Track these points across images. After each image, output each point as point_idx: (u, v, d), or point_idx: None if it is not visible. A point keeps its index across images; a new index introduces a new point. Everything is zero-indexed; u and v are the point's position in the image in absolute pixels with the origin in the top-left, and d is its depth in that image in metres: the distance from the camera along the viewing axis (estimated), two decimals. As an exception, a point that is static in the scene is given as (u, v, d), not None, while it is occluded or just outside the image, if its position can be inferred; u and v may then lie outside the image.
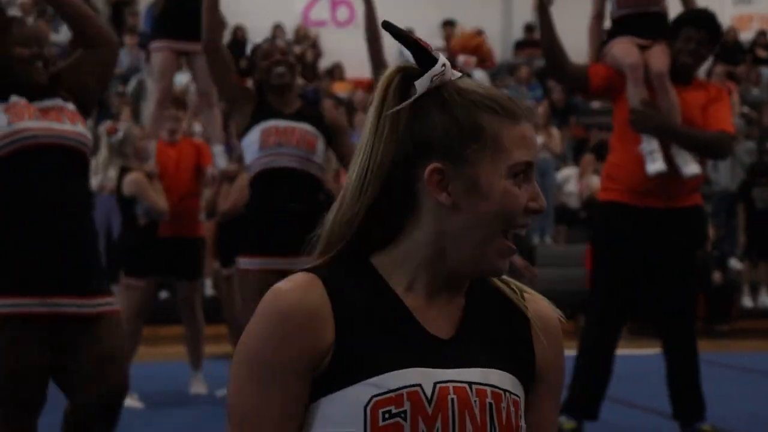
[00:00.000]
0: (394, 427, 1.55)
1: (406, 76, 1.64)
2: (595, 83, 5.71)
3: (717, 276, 12.59)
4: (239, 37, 16.91)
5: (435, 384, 1.57)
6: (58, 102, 3.82)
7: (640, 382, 7.47)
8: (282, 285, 1.61)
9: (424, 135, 1.62)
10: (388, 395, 1.55)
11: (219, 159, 7.73)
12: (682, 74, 5.66)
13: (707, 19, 5.68)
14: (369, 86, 15.53)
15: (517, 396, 1.64)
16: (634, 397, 7.12)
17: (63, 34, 15.99)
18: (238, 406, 1.60)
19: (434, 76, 1.62)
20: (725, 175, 13.85)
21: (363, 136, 1.64)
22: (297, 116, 5.18)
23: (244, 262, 5.21)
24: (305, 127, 5.15)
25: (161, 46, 7.95)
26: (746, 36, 18.18)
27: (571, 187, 14.27)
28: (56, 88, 3.85)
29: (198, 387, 7.59)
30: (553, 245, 13.66)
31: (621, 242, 5.60)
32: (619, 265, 5.57)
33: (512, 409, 1.62)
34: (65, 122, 3.77)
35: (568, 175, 14.39)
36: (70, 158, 3.76)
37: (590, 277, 5.91)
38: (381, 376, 1.56)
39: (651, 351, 8.00)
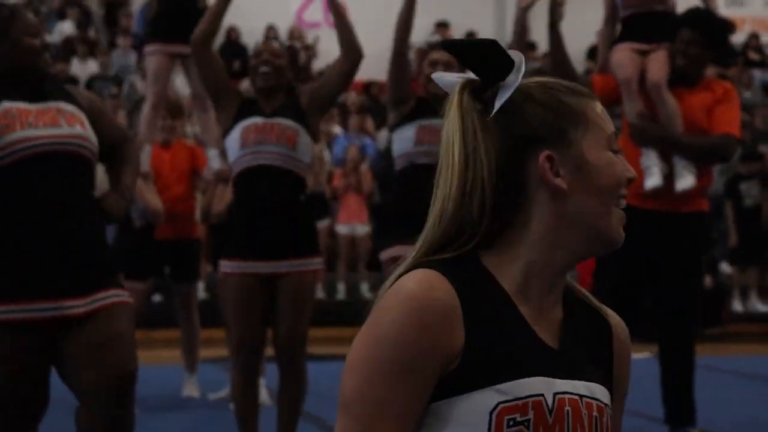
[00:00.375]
0: None
1: (471, 90, 1.68)
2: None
3: (707, 280, 12.60)
4: (233, 38, 16.89)
5: (554, 394, 1.60)
6: (57, 104, 3.73)
7: (633, 387, 7.46)
8: (415, 280, 1.60)
9: (525, 128, 1.66)
10: (514, 403, 1.57)
11: (213, 162, 7.73)
12: (683, 76, 5.59)
13: (702, 18, 5.61)
14: (363, 88, 15.53)
15: (611, 410, 1.69)
16: (628, 401, 7.12)
17: (56, 35, 15.98)
18: (357, 398, 1.58)
19: (519, 72, 1.66)
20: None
21: (451, 153, 1.64)
22: (276, 113, 5.16)
23: (225, 266, 5.20)
24: (285, 122, 5.12)
25: (155, 49, 7.93)
26: (738, 38, 18.21)
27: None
28: (60, 91, 3.82)
29: (191, 390, 7.59)
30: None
31: (626, 244, 5.57)
32: (622, 267, 5.55)
33: (610, 423, 1.68)
34: (62, 125, 3.68)
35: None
36: (69, 163, 3.68)
37: (593, 278, 5.90)
38: (509, 383, 1.58)
39: (644, 355, 8.02)
